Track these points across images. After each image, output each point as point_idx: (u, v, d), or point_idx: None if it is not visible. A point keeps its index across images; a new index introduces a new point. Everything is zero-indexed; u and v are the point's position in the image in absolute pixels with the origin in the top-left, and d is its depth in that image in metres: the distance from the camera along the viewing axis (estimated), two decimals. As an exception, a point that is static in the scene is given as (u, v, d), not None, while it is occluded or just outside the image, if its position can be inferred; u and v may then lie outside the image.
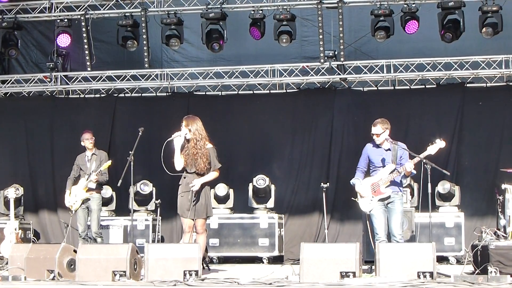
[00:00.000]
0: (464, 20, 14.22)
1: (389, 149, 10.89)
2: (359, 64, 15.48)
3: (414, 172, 10.83)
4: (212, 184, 14.48)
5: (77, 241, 13.29)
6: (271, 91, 15.96)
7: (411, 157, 10.81)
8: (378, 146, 10.95)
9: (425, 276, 9.51)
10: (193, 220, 11.20)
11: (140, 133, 11.82)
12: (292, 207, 15.56)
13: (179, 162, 11.18)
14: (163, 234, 15.43)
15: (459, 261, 13.46)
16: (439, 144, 10.72)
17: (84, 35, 15.60)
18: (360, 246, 9.85)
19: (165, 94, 16.34)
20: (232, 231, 14.51)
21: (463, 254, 13.38)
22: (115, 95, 16.46)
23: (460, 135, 15.09)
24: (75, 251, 10.40)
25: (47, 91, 16.61)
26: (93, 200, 13.03)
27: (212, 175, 11.35)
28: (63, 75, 16.44)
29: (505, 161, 14.09)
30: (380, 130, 10.86)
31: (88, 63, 15.82)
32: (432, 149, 10.71)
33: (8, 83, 16.60)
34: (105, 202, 14.95)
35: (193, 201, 11.15)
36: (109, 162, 12.87)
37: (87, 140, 13.24)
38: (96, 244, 12.59)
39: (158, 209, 14.71)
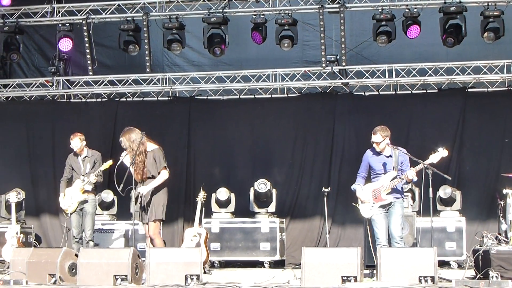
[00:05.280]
0: (466, 25, 14.20)
1: (390, 155, 10.87)
2: (360, 69, 15.48)
3: (416, 178, 10.80)
4: (213, 188, 14.63)
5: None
6: (273, 96, 15.96)
7: (412, 162, 10.79)
8: (378, 153, 10.94)
9: (426, 281, 9.54)
10: (145, 224, 11.26)
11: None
12: (293, 211, 15.53)
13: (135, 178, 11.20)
14: (165, 238, 15.29)
15: (460, 266, 13.44)
16: (442, 152, 10.69)
17: (86, 39, 15.60)
18: (361, 250, 9.86)
19: (166, 98, 16.33)
20: (233, 236, 14.48)
21: (464, 259, 13.33)
22: (117, 99, 16.47)
23: (462, 139, 15.06)
24: (76, 255, 10.42)
25: (49, 95, 16.62)
26: (89, 202, 12.84)
27: (160, 177, 11.20)
28: (65, 80, 16.44)
29: (506, 166, 14.07)
30: (380, 138, 10.82)
31: (89, 68, 15.80)
32: (434, 158, 10.67)
33: (9, 88, 16.60)
34: (107, 206, 14.96)
35: (142, 205, 11.15)
36: (110, 162, 12.53)
37: (74, 146, 12.99)
38: (88, 247, 12.49)
39: (159, 213, 14.69)
